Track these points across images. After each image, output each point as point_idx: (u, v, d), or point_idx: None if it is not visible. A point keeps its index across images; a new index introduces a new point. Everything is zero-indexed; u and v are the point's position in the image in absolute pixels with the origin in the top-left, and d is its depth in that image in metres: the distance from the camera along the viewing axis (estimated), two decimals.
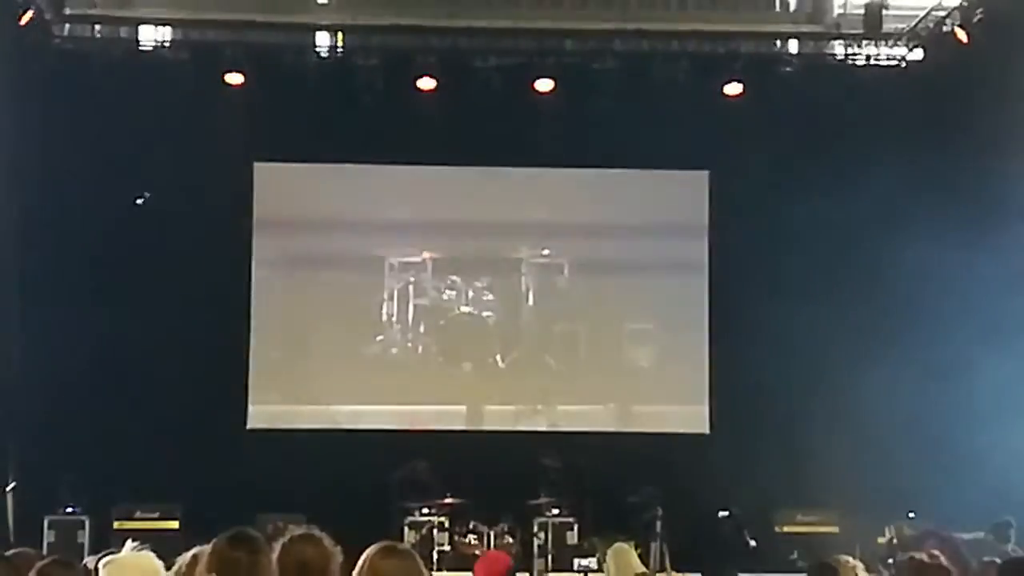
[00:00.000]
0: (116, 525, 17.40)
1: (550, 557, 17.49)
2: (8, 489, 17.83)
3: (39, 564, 6.30)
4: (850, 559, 11.50)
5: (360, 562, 5.30)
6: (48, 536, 17.42)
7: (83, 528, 17.54)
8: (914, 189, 18.17)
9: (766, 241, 18.96)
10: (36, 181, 18.67)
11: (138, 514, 17.64)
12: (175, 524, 17.54)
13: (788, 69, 19.26)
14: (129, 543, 6.31)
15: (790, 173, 19.05)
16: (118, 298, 18.63)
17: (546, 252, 20.14)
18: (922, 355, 18.12)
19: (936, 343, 18.19)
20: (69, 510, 17.75)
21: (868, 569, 11.72)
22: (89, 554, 14.41)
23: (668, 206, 20.09)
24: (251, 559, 5.69)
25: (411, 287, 20.04)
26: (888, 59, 19.38)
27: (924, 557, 9.04)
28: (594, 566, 14.31)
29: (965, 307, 17.87)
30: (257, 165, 19.73)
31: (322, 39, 19.09)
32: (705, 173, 19.93)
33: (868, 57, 19.35)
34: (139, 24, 19.10)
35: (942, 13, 18.59)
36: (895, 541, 15.69)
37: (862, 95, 19.01)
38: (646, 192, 20.03)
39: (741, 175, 19.32)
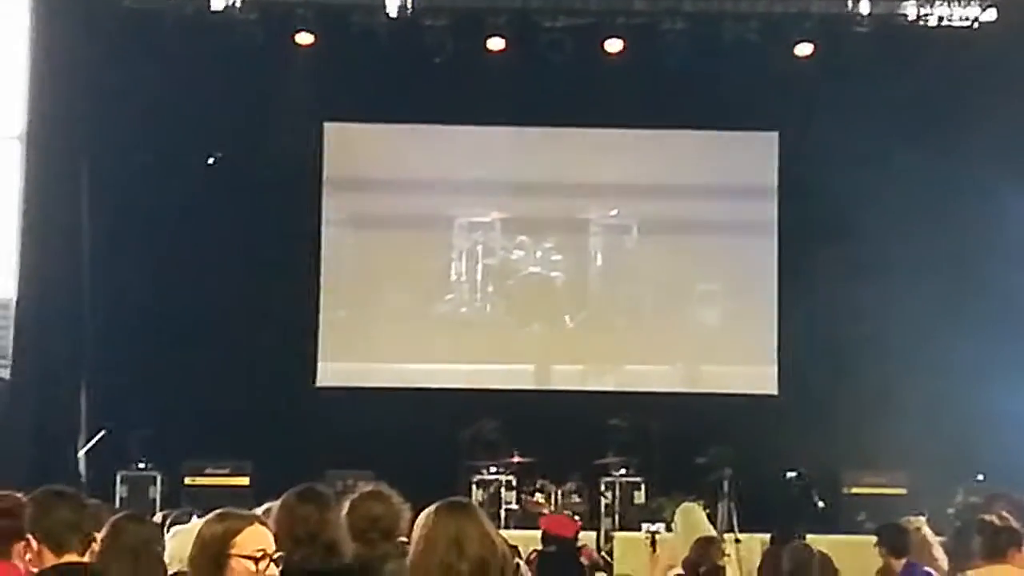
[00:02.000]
0: (187, 481, 17.59)
1: (617, 516, 17.52)
2: (94, 442, 18.02)
3: (113, 518, 6.39)
4: (919, 520, 11.52)
5: (423, 516, 5.33)
6: (120, 491, 17.60)
7: (154, 484, 17.70)
8: (990, 153, 17.98)
9: (836, 203, 18.80)
10: (106, 142, 18.81)
11: (208, 470, 17.78)
12: (245, 480, 17.67)
13: (859, 29, 19.07)
14: (196, 517, 6.39)
15: (860, 135, 18.90)
16: (189, 257, 18.77)
17: (614, 212, 20.13)
18: (995, 319, 18.01)
19: (1011, 310, 18.09)
20: (141, 466, 17.93)
21: (937, 531, 11.72)
22: (161, 509, 14.62)
23: (737, 167, 20.01)
24: (320, 515, 5.76)
25: (480, 247, 20.09)
26: (961, 19, 19.17)
27: (995, 519, 9.01)
28: (663, 529, 14.30)
29: None
30: (327, 125, 19.82)
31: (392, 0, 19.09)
32: (775, 134, 19.86)
33: (940, 18, 19.12)
34: None
35: None
36: (964, 503, 15.64)
37: (934, 56, 18.82)
38: (715, 153, 19.97)
39: (811, 137, 19.20)
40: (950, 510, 16.02)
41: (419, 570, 5.12)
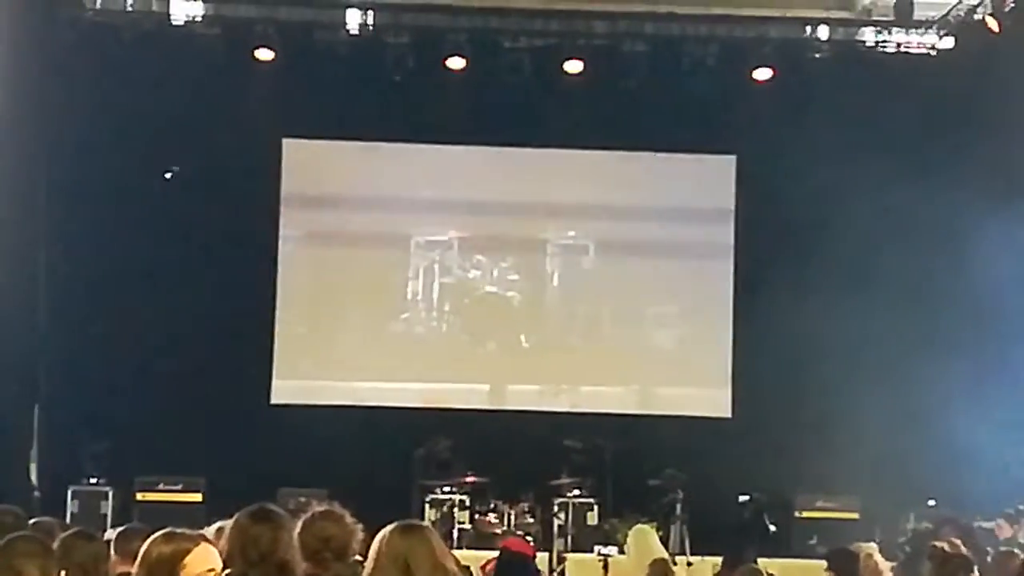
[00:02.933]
0: (139, 496, 17.51)
1: (570, 537, 17.52)
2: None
3: (62, 535, 6.36)
4: (870, 545, 11.57)
5: (378, 538, 5.36)
6: (71, 506, 17.50)
7: (106, 499, 17.62)
8: (949, 177, 18.05)
9: (792, 227, 18.93)
10: (64, 154, 18.72)
11: (161, 486, 17.71)
12: (198, 497, 17.61)
13: (818, 55, 19.22)
14: None
15: (818, 160, 18.99)
16: (144, 271, 18.70)
17: (572, 233, 20.16)
18: (947, 346, 18.09)
19: (963, 335, 18.20)
20: (92, 480, 17.83)
21: (887, 556, 11.77)
22: (112, 525, 14.54)
23: (695, 190, 20.08)
24: (273, 535, 5.74)
25: (437, 266, 20.08)
26: (918, 47, 19.31)
27: (945, 546, 9.07)
28: (615, 552, 14.34)
29: (995, 300, 17.83)
30: (286, 141, 19.78)
31: (352, 17, 19.07)
32: (732, 158, 19.92)
33: (898, 44, 19.28)
34: None
35: (974, 1, 18.51)
36: (915, 529, 15.69)
37: (891, 82, 18.94)
38: (673, 175, 20.03)
39: (769, 161, 19.27)
40: (900, 539, 16.05)
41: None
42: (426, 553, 5.23)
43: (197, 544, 5.00)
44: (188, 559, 4.88)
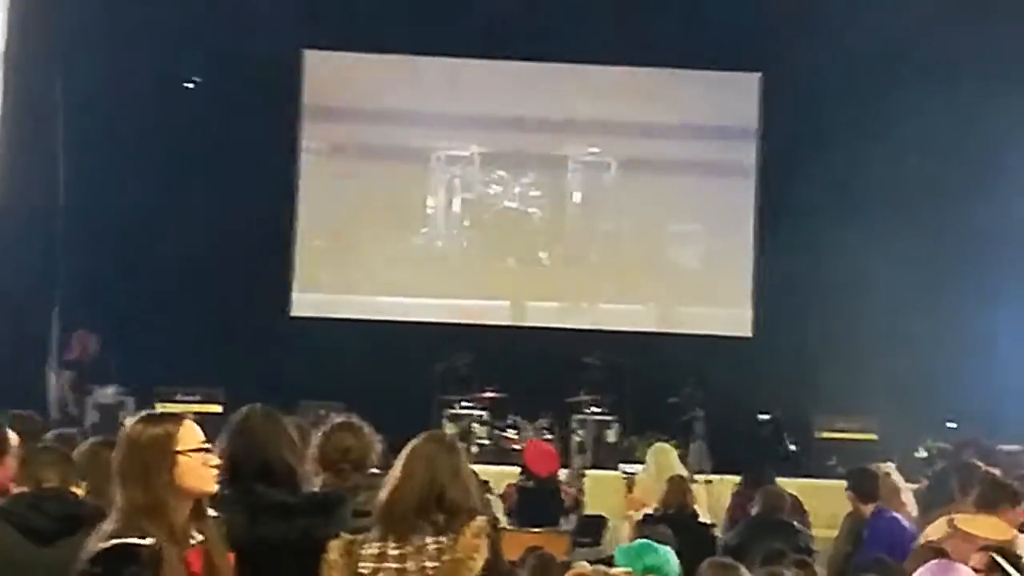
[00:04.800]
0: (158, 407, 17.51)
1: (589, 454, 17.53)
2: None
3: (85, 444, 6.35)
4: (888, 466, 11.55)
5: (407, 449, 5.34)
6: (91, 416, 17.54)
7: (124, 409, 17.64)
8: (987, 93, 17.81)
9: (817, 148, 18.76)
10: (83, 62, 18.63)
11: (180, 396, 17.70)
12: (218, 408, 17.61)
13: None
14: None
15: (845, 79, 18.86)
16: (165, 181, 18.64)
17: (593, 150, 20.05)
18: (973, 268, 18.03)
19: (988, 259, 18.10)
20: (111, 390, 17.86)
21: (906, 477, 11.75)
22: None
23: (719, 107, 19.93)
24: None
25: (457, 181, 20.01)
26: None
27: (975, 461, 9.04)
28: (640, 470, 14.33)
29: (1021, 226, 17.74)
30: (307, 53, 19.68)
31: None
32: (757, 75, 19.76)
33: None
34: None
35: None
36: (934, 450, 15.68)
37: None
38: (697, 92, 19.88)
39: (794, 79, 19.12)
40: (920, 453, 16.00)
41: (395, 501, 5.14)
42: (454, 462, 5.23)
43: (184, 419, 4.92)
44: (179, 435, 4.79)
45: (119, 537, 4.65)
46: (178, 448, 4.74)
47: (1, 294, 18.11)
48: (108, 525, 4.71)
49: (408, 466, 5.28)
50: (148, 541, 4.65)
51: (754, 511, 10.65)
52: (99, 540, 4.66)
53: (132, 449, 4.80)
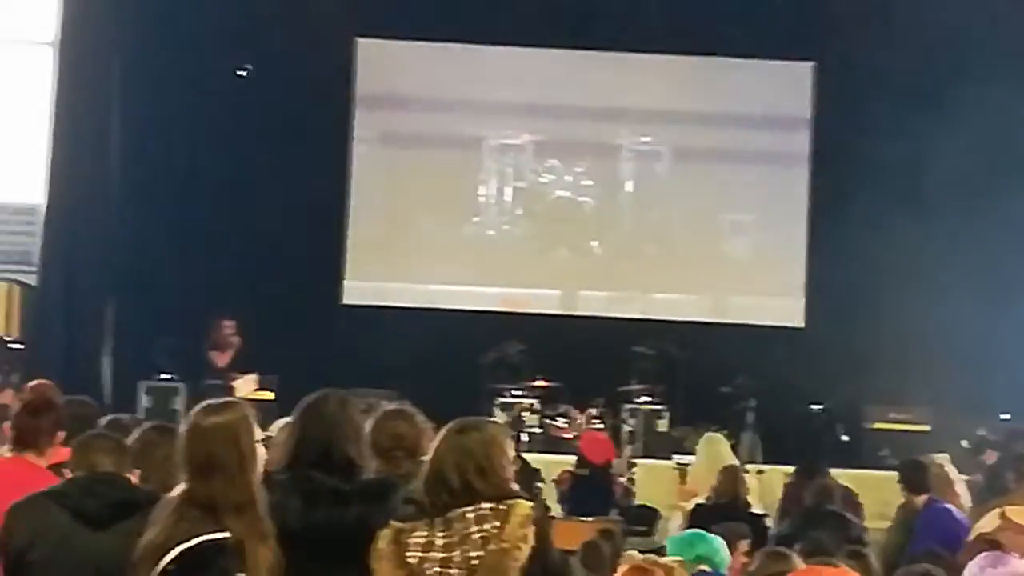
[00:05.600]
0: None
1: (640, 444, 17.52)
2: None
3: (139, 429, 6.38)
4: (942, 457, 11.49)
5: (442, 433, 5.35)
6: (144, 401, 17.64)
7: (178, 394, 17.73)
8: None
9: (871, 137, 18.65)
10: (138, 52, 18.74)
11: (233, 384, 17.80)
12: (270, 395, 17.69)
13: None
14: None
15: (897, 67, 18.74)
16: (218, 170, 18.73)
17: (646, 139, 20.00)
18: None
19: None
20: (165, 376, 17.96)
21: (960, 469, 11.68)
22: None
23: (772, 96, 19.84)
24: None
25: (510, 169, 20.00)
26: None
27: None
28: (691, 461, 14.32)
29: None
30: (360, 41, 19.70)
31: None
32: (810, 64, 19.67)
33: None
34: None
35: None
36: (978, 440, 15.56)
37: None
38: (750, 81, 19.79)
39: (848, 68, 19.04)
40: (964, 443, 15.87)
41: (428, 489, 5.16)
42: (482, 446, 5.24)
43: (245, 412, 4.98)
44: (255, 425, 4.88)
45: (201, 534, 4.70)
46: (258, 439, 4.82)
47: (57, 283, 18.25)
48: (180, 520, 4.75)
49: (437, 453, 5.29)
50: (228, 535, 4.71)
51: (807, 503, 10.61)
52: (178, 537, 4.70)
53: (222, 441, 4.84)
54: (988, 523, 8.54)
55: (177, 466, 5.03)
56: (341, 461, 5.49)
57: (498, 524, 5.08)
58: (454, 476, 5.18)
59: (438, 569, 5.05)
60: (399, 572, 5.08)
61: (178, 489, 4.89)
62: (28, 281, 18.25)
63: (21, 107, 18.93)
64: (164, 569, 4.70)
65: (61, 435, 6.34)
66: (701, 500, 11.36)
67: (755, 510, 11.03)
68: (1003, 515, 8.58)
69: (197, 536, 4.72)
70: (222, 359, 17.41)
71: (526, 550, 5.03)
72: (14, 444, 6.39)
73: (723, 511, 10.27)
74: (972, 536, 8.51)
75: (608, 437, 16.44)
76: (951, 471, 11.17)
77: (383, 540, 5.16)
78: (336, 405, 5.62)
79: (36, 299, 18.18)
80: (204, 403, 5.12)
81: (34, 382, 10.04)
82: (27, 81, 18.92)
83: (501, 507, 5.12)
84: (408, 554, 5.10)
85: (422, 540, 5.11)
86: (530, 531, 5.07)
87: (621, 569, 6.02)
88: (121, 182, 18.74)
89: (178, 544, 4.71)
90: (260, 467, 5.02)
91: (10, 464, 6.34)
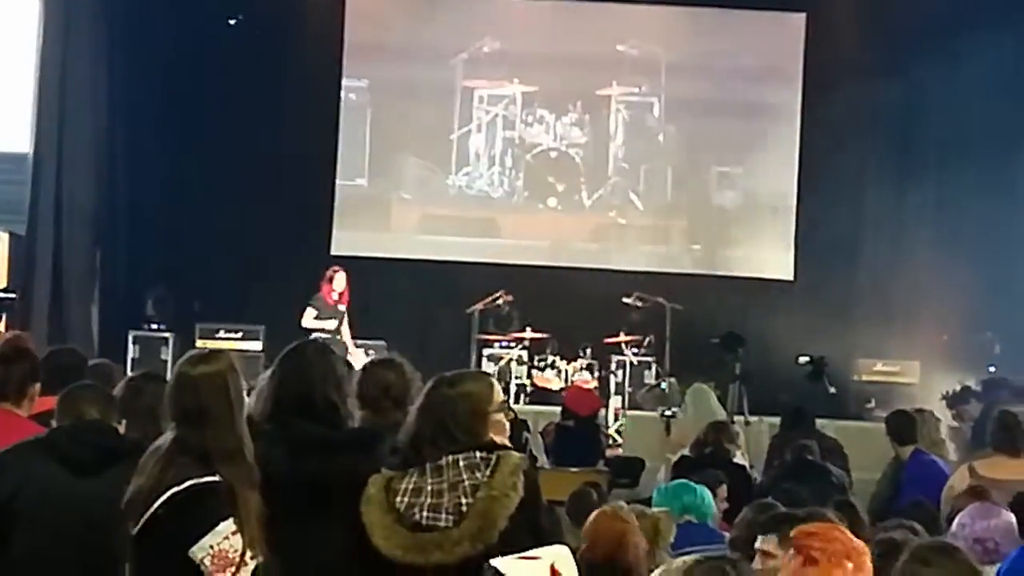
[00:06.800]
0: (199, 343, 17.60)
1: (627, 395, 17.56)
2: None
3: (128, 376, 6.37)
4: (928, 409, 11.52)
5: (430, 383, 5.36)
6: (132, 351, 17.65)
7: (166, 344, 17.75)
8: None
9: (861, 88, 18.62)
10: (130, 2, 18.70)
11: (221, 333, 17.82)
12: (258, 346, 17.73)
13: None
14: None
15: (889, 22, 18.69)
16: (207, 117, 18.69)
17: (637, 90, 19.94)
18: (1017, 214, 17.92)
19: None
20: (153, 327, 17.96)
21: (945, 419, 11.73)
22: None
23: (763, 48, 19.77)
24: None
25: (499, 120, 19.95)
26: None
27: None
28: (677, 412, 14.34)
29: None
30: None
31: None
32: (802, 15, 19.61)
33: None
34: None
35: None
36: (967, 388, 15.59)
37: None
38: (741, 32, 19.74)
39: (839, 20, 18.98)
40: (946, 391, 15.89)
41: (414, 435, 5.19)
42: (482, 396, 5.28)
43: (231, 361, 5.02)
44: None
45: (191, 478, 4.72)
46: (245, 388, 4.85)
47: (45, 232, 18.20)
48: (169, 466, 4.77)
49: (425, 404, 5.32)
50: (219, 479, 4.74)
51: (786, 456, 10.63)
52: (168, 482, 4.72)
53: (212, 389, 4.86)
54: (959, 480, 8.60)
55: (163, 414, 5.04)
56: (324, 408, 5.48)
57: (488, 473, 5.10)
58: (441, 427, 5.20)
59: (427, 514, 5.07)
60: (387, 517, 5.10)
61: (167, 436, 4.89)
62: (16, 231, 18.19)
63: (7, 55, 18.82)
64: (154, 513, 4.72)
65: (37, 386, 6.30)
66: (686, 452, 11.38)
67: (738, 461, 11.05)
68: (972, 469, 8.64)
69: (187, 480, 4.74)
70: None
71: (515, 499, 5.05)
72: None
73: (706, 462, 10.29)
74: (945, 493, 8.56)
75: (594, 388, 16.46)
76: (938, 423, 11.21)
77: (373, 486, 5.17)
78: (315, 352, 5.61)
79: (24, 248, 18.13)
80: (190, 352, 5.13)
81: (8, 333, 10.00)
82: (13, 28, 18.80)
83: (491, 456, 5.14)
84: (397, 500, 5.12)
85: (411, 486, 5.13)
86: (520, 480, 5.09)
87: (594, 514, 6.07)
88: (109, 130, 18.68)
89: (168, 488, 4.72)
90: (246, 416, 5.03)
91: None
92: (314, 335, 16.12)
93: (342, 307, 16.68)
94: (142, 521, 4.75)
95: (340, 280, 16.64)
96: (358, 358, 16.32)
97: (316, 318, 16.50)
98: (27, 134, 18.48)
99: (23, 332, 7.03)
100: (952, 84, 18.19)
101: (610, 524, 6.02)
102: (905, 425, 10.41)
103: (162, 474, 4.78)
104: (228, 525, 4.72)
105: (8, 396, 6.23)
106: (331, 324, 16.47)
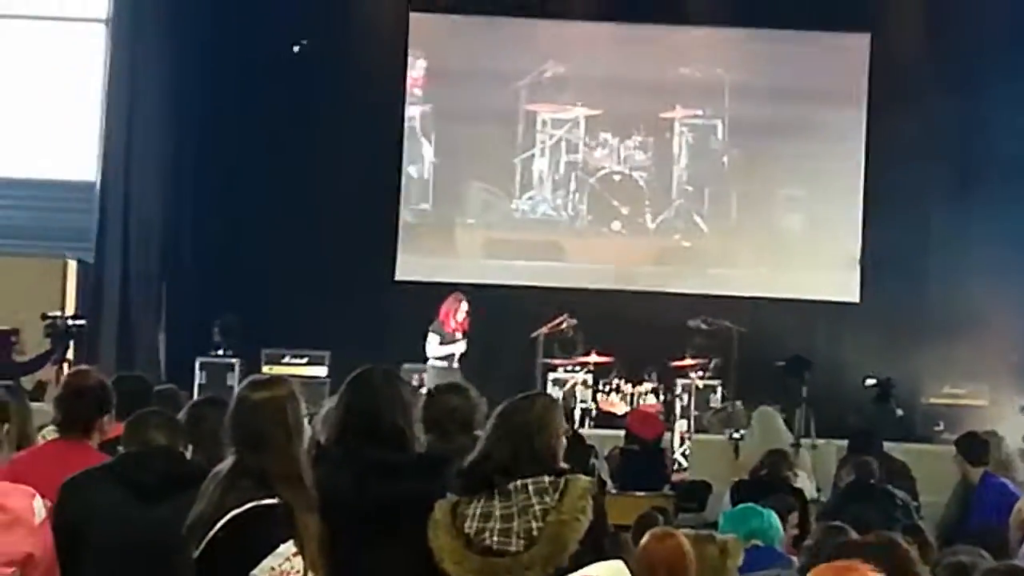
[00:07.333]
0: (265, 369, 17.65)
1: (693, 419, 17.48)
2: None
3: (192, 402, 6.41)
4: (998, 432, 11.42)
5: (503, 408, 5.35)
6: (199, 377, 17.72)
7: (232, 370, 17.80)
8: None
9: (927, 111, 18.53)
10: (192, 27, 18.81)
11: (287, 359, 17.88)
12: (323, 371, 17.76)
13: None
14: None
15: (954, 40, 18.60)
16: (274, 144, 18.79)
17: (700, 112, 19.91)
18: None
19: None
20: (220, 352, 18.04)
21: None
22: None
23: (827, 69, 19.69)
24: None
25: (563, 144, 19.95)
26: None
27: None
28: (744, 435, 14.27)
29: None
30: (413, 15, 19.68)
31: None
32: (867, 36, 19.52)
33: None
34: None
35: None
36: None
37: None
38: (805, 54, 19.66)
39: (903, 40, 18.89)
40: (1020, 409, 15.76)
41: (485, 460, 5.18)
42: (543, 420, 5.26)
43: (292, 387, 5.04)
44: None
45: (250, 501, 4.73)
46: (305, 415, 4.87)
47: (113, 259, 18.37)
48: (229, 490, 4.78)
49: (494, 429, 5.30)
50: (279, 502, 4.76)
51: (847, 478, 10.54)
52: (229, 505, 4.74)
53: (271, 415, 4.88)
54: None
55: (223, 436, 5.06)
56: (390, 432, 5.46)
57: (557, 497, 5.10)
58: (508, 452, 5.20)
59: (498, 538, 5.06)
60: (456, 542, 5.10)
61: (227, 461, 4.91)
62: (85, 258, 18.35)
63: (75, 84, 19.02)
64: (215, 536, 4.73)
65: (105, 417, 6.35)
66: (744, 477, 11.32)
67: (797, 484, 10.96)
68: None
69: (247, 503, 4.75)
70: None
71: (585, 523, 5.06)
72: (58, 426, 6.45)
73: (763, 485, 10.23)
74: (1014, 517, 8.45)
75: (658, 412, 16.40)
76: (1008, 445, 11.11)
77: (440, 511, 5.18)
78: (381, 377, 5.61)
79: (93, 276, 18.29)
80: (252, 377, 5.15)
81: (75, 368, 10.08)
82: (81, 58, 19.00)
83: (559, 480, 5.14)
84: (466, 524, 5.12)
85: (480, 511, 5.13)
86: (589, 504, 5.09)
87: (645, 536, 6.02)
88: (175, 158, 18.83)
89: (228, 511, 4.74)
90: (305, 442, 5.04)
91: (54, 445, 6.39)
92: (432, 363, 16.35)
93: (459, 334, 16.79)
94: (203, 544, 4.76)
95: (462, 308, 16.79)
96: None
97: (440, 344, 16.64)
98: (94, 163, 18.68)
99: (89, 367, 7.07)
100: (1017, 102, 18.07)
101: (659, 544, 5.95)
102: (975, 447, 10.34)
103: (222, 498, 4.80)
104: (288, 547, 4.74)
105: (75, 429, 6.30)
106: (455, 349, 16.60)
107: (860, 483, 10.04)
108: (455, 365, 16.62)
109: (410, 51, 19.69)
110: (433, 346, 16.67)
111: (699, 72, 19.71)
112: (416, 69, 19.78)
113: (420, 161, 19.90)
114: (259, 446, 4.85)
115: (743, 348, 17.77)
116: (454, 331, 16.77)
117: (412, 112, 19.82)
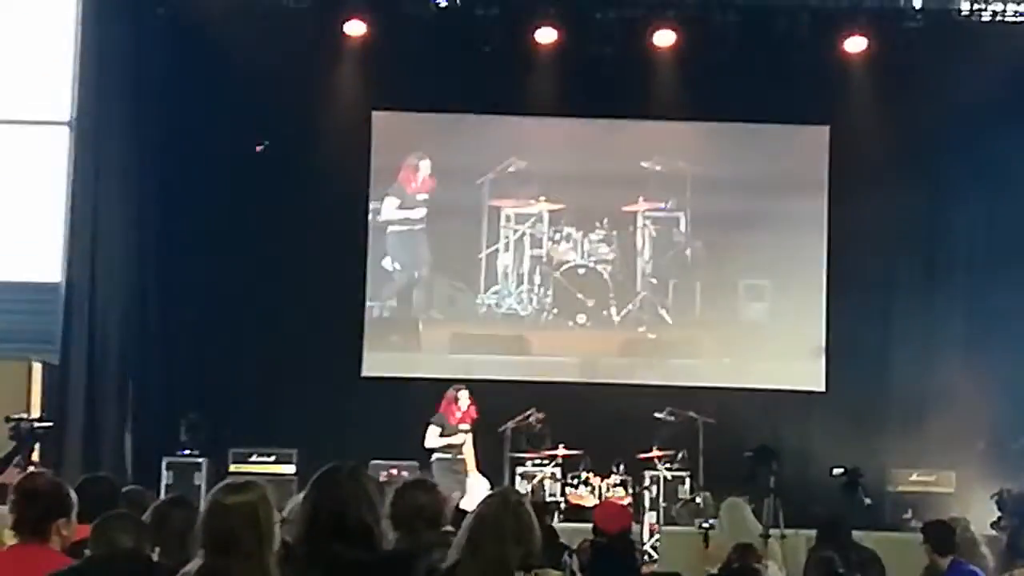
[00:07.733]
0: (232, 468, 17.60)
1: (661, 511, 17.47)
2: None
3: (156, 502, 6.39)
4: (965, 519, 11.43)
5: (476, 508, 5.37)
6: (166, 477, 17.64)
7: (200, 470, 17.73)
8: None
9: (887, 199, 18.71)
10: (155, 129, 18.89)
11: (254, 458, 17.83)
12: (291, 469, 17.72)
13: (912, 24, 18.94)
14: None
15: (912, 131, 18.81)
16: (237, 245, 18.81)
17: (663, 205, 20.03)
18: None
19: None
20: (186, 452, 17.96)
21: (983, 531, 11.62)
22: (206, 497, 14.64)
23: (787, 161, 19.87)
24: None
25: (527, 238, 20.03)
26: (1015, 15, 18.99)
27: None
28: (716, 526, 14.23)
29: None
30: (375, 114, 19.79)
31: None
32: (826, 128, 19.71)
33: (995, 13, 18.97)
34: None
35: None
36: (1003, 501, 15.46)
37: (988, 51, 18.61)
38: (765, 146, 19.84)
39: (862, 132, 19.09)
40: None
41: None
42: (520, 523, 5.25)
43: (264, 491, 5.02)
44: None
45: None
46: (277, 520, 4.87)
47: (78, 361, 18.31)
48: None
49: (474, 533, 5.31)
50: None
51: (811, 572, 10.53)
52: None
53: (243, 519, 4.87)
54: None
55: (193, 539, 5.04)
56: (357, 529, 5.44)
57: None
58: (487, 546, 5.20)
59: None
60: None
61: (194, 563, 4.89)
62: (50, 360, 18.29)
63: (39, 187, 19.04)
64: None
65: (61, 520, 6.26)
66: (713, 570, 11.29)
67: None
68: None
69: None
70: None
71: None
72: (15, 530, 6.37)
73: None
74: None
75: (625, 504, 16.37)
76: (975, 532, 11.13)
77: None
78: (348, 474, 5.60)
79: (58, 377, 18.22)
80: (226, 481, 5.14)
81: (29, 470, 10.03)
82: (45, 161, 19.04)
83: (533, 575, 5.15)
84: None
85: None
86: None
87: None
88: (139, 259, 18.83)
89: None
90: (276, 547, 5.03)
91: (13, 552, 6.32)
92: (435, 456, 16.34)
93: (465, 426, 16.80)
94: None
95: (464, 398, 16.82)
96: (478, 480, 16.47)
97: (441, 435, 16.64)
98: (59, 264, 18.66)
99: (43, 470, 7.01)
100: (975, 190, 18.30)
101: None
102: (942, 535, 10.35)
103: None
104: None
105: (32, 532, 6.23)
106: (456, 440, 16.60)
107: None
108: (460, 456, 16.67)
109: (372, 148, 19.77)
110: (432, 438, 16.67)
111: (661, 165, 19.86)
112: (379, 166, 19.84)
113: (384, 257, 19.94)
114: (229, 550, 4.83)
115: (710, 439, 17.79)
116: (459, 422, 16.82)
117: (376, 207, 19.88)
